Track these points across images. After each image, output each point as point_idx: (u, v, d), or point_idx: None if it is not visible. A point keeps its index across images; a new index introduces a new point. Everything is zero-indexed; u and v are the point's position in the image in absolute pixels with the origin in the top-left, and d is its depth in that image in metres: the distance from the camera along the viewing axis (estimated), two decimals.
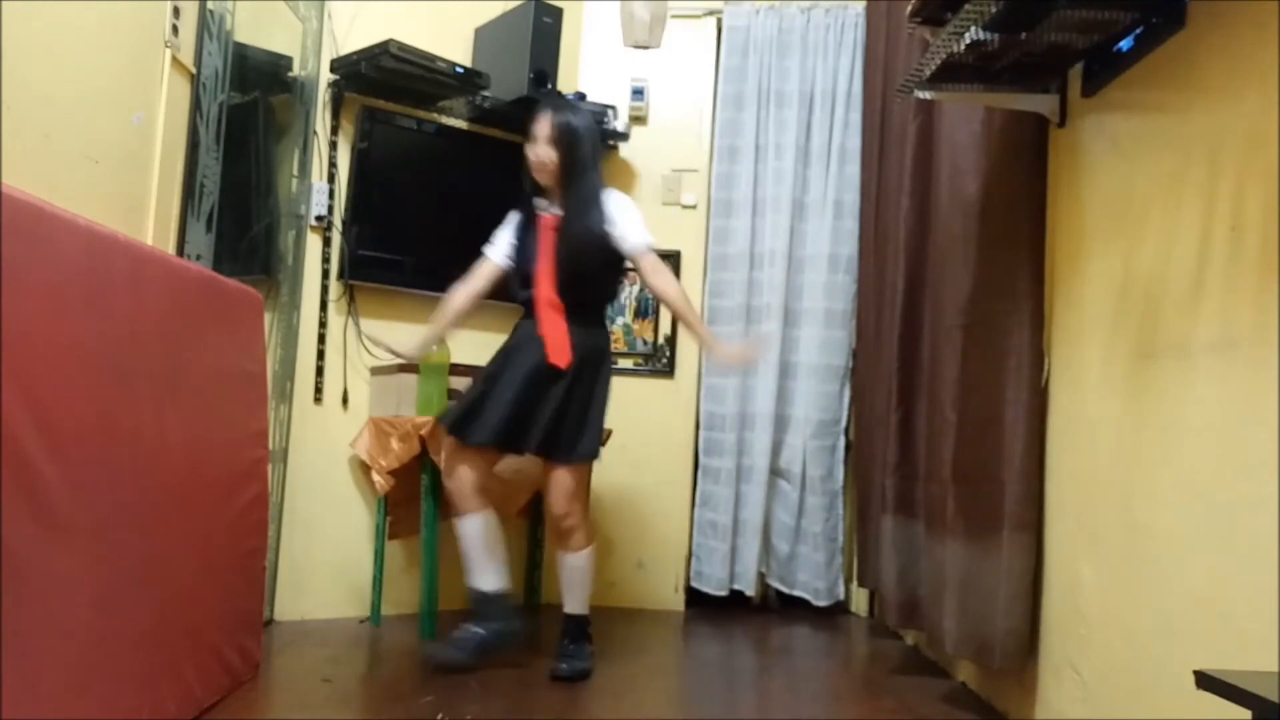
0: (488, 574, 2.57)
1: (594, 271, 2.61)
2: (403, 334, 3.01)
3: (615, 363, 3.58)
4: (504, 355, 2.63)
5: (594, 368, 2.58)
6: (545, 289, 2.58)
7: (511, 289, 2.68)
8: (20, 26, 1.57)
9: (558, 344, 2.54)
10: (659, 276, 2.61)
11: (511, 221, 2.72)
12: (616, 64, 3.68)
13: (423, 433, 2.81)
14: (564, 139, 2.57)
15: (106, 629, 1.60)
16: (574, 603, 2.65)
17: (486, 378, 2.60)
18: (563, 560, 2.64)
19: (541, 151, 2.58)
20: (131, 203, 2.09)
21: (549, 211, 2.63)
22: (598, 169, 2.65)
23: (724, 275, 3.67)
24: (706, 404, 3.65)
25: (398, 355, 2.72)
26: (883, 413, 2.94)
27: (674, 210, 3.71)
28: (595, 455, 2.61)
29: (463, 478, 2.54)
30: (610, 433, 2.74)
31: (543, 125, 2.58)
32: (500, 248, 2.69)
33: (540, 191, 2.66)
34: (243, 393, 2.26)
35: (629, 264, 2.66)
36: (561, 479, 2.55)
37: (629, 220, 2.62)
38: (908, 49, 2.80)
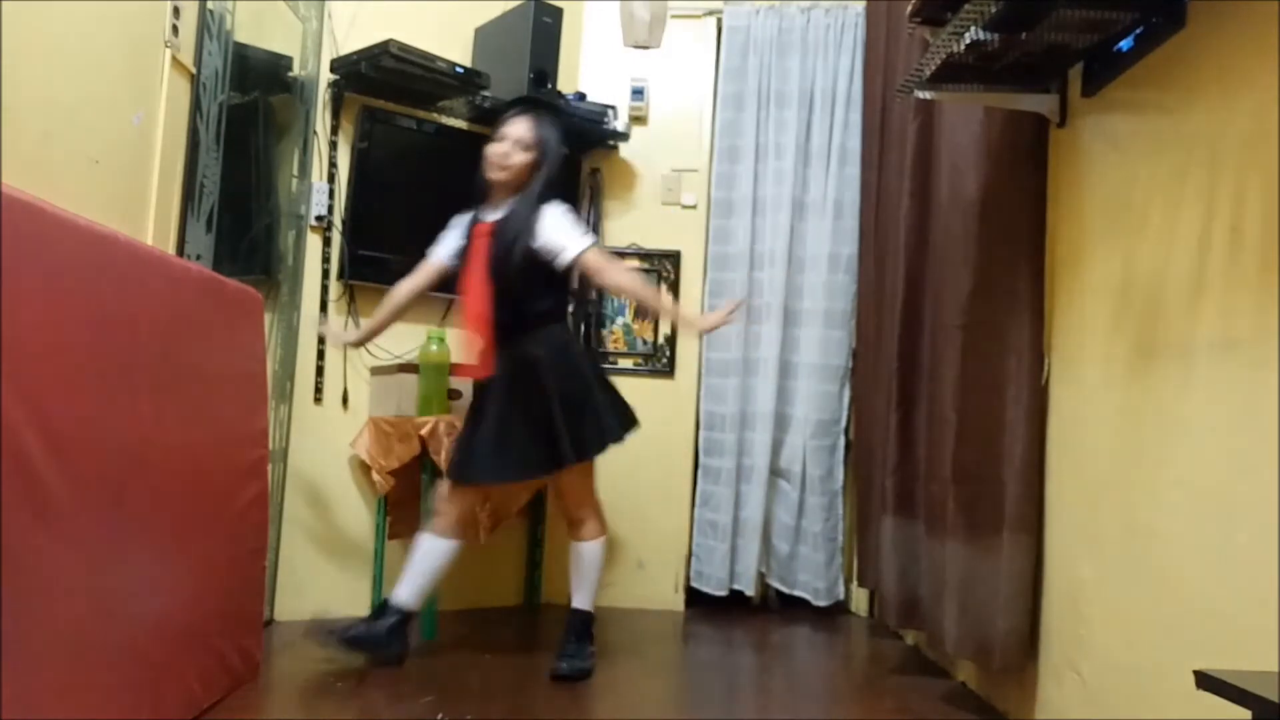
0: (414, 594, 2.57)
1: (525, 281, 2.50)
2: (401, 334, 3.05)
3: (614, 361, 3.61)
4: (476, 389, 2.65)
5: (553, 369, 2.50)
6: (475, 298, 2.56)
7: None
8: (20, 27, 1.57)
9: (478, 356, 2.55)
10: (606, 274, 2.53)
11: (457, 225, 2.72)
12: (616, 64, 3.67)
13: (423, 433, 2.82)
14: (539, 148, 2.57)
15: (106, 629, 1.60)
16: (581, 597, 2.67)
17: (470, 411, 2.63)
18: (574, 549, 2.68)
19: (510, 149, 2.56)
20: (131, 203, 2.09)
21: (487, 219, 2.61)
22: (551, 187, 2.58)
23: (724, 275, 3.66)
24: (706, 404, 3.65)
25: (340, 341, 2.98)
26: (883, 413, 2.94)
27: (674, 210, 3.71)
28: (596, 452, 2.58)
29: (454, 508, 2.59)
30: None
31: (520, 128, 2.58)
32: (443, 249, 2.71)
33: (488, 196, 2.64)
34: (243, 393, 2.26)
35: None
36: (564, 481, 2.62)
37: (556, 231, 2.49)
38: (908, 49, 2.80)
